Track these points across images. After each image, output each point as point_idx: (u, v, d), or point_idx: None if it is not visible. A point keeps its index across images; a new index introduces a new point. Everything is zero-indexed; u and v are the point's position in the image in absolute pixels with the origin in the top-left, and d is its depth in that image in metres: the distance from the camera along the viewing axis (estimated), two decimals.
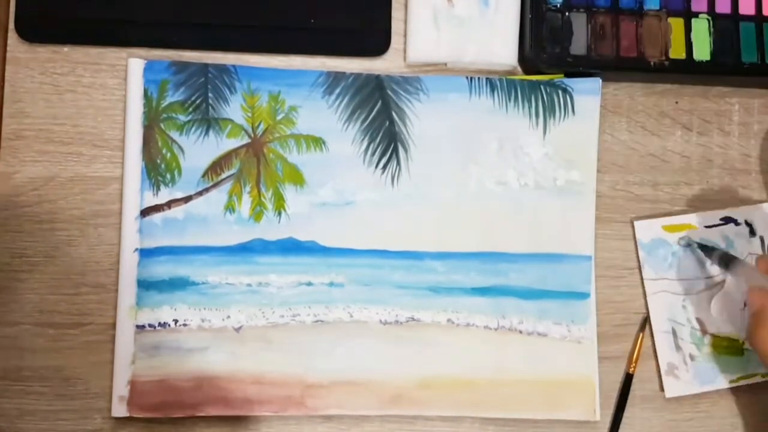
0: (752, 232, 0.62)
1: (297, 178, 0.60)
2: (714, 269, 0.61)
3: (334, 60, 0.61)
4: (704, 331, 0.61)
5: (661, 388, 0.61)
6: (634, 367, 0.61)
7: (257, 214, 0.59)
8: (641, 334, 0.61)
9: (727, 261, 0.59)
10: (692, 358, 0.61)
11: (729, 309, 0.61)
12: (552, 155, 0.61)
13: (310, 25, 0.60)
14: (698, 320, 0.61)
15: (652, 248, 0.62)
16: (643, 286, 0.61)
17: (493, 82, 0.61)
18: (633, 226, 0.62)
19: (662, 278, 0.61)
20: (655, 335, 0.61)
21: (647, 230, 0.62)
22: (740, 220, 0.62)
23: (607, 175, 0.62)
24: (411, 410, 0.59)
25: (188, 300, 0.58)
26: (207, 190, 0.59)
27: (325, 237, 0.59)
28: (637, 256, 0.62)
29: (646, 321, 0.61)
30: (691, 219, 0.62)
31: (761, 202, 0.63)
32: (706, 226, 0.62)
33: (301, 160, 0.60)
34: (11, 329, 0.58)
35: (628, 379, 0.61)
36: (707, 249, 0.61)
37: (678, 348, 0.61)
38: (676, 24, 0.62)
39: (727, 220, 0.62)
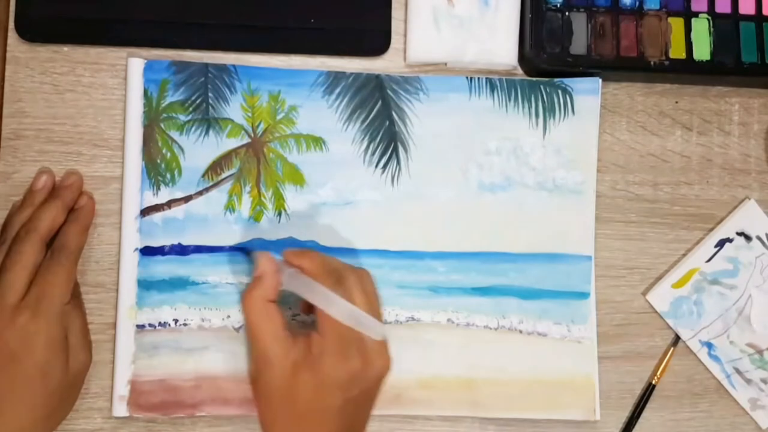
0: (747, 238, 0.62)
1: (297, 177, 0.60)
2: (736, 293, 0.61)
3: (334, 60, 0.61)
4: (760, 351, 0.61)
5: (756, 425, 0.62)
6: (659, 379, 0.61)
7: (257, 213, 0.59)
8: (672, 349, 0.61)
9: (248, 253, 0.58)
10: (765, 382, 0.61)
11: (766, 314, 0.61)
12: (552, 155, 0.61)
13: (310, 25, 0.60)
14: (749, 345, 0.61)
15: (675, 311, 0.61)
16: (691, 351, 0.61)
17: (493, 82, 0.61)
18: (647, 300, 0.62)
19: (700, 330, 0.61)
20: (722, 383, 0.61)
21: (661, 297, 0.61)
22: (731, 235, 0.62)
23: (607, 175, 0.62)
24: (411, 410, 0.59)
25: (188, 300, 0.58)
26: (207, 189, 0.59)
27: (325, 237, 0.59)
28: (668, 325, 0.61)
29: (678, 338, 0.61)
30: (690, 263, 0.62)
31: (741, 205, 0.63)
32: (707, 261, 0.62)
33: (301, 160, 0.60)
34: None
35: (650, 389, 0.61)
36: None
37: (749, 381, 0.61)
38: (676, 24, 0.62)
39: (721, 244, 0.62)
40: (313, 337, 0.51)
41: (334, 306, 0.50)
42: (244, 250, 0.59)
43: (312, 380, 0.50)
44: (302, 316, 0.57)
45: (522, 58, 0.61)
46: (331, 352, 0.50)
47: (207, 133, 0.59)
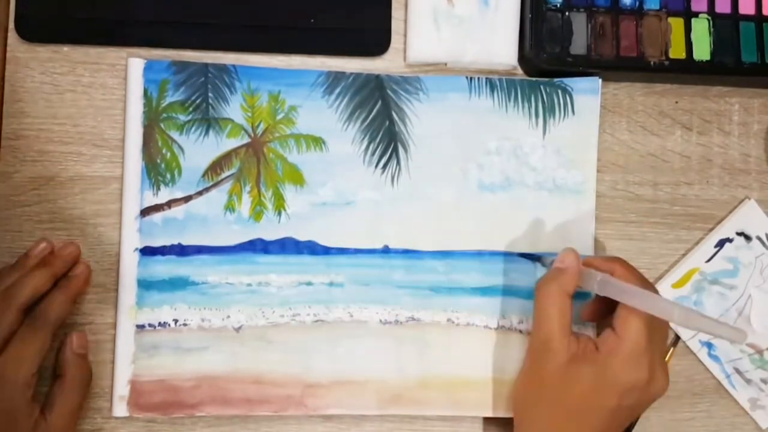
0: (747, 238, 0.62)
1: (297, 177, 0.60)
2: (735, 293, 0.61)
3: (334, 60, 0.61)
4: (760, 351, 0.62)
5: (756, 425, 0.62)
6: None
7: (257, 213, 0.59)
8: (672, 349, 0.61)
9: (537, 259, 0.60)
10: (765, 381, 0.61)
11: (766, 314, 0.61)
12: (552, 155, 0.61)
13: (310, 25, 0.60)
14: (749, 345, 0.62)
15: None
16: (691, 351, 0.62)
17: (493, 82, 0.61)
18: None
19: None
20: (722, 383, 0.62)
21: None
22: (731, 235, 0.62)
23: (607, 175, 0.62)
24: (411, 410, 0.59)
25: (188, 300, 0.58)
26: (207, 189, 0.59)
27: (325, 237, 0.59)
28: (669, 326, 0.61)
29: (678, 338, 0.61)
30: (690, 263, 0.62)
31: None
32: (707, 261, 0.62)
33: (301, 160, 0.60)
34: None
35: None
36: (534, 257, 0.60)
37: (749, 381, 0.61)
38: (676, 24, 0.62)
39: (721, 244, 0.62)
40: (607, 337, 0.52)
41: (675, 311, 0.49)
42: (531, 257, 0.60)
43: (592, 376, 0.51)
44: None
45: (522, 58, 0.61)
46: (625, 356, 0.51)
47: (207, 133, 0.59)
